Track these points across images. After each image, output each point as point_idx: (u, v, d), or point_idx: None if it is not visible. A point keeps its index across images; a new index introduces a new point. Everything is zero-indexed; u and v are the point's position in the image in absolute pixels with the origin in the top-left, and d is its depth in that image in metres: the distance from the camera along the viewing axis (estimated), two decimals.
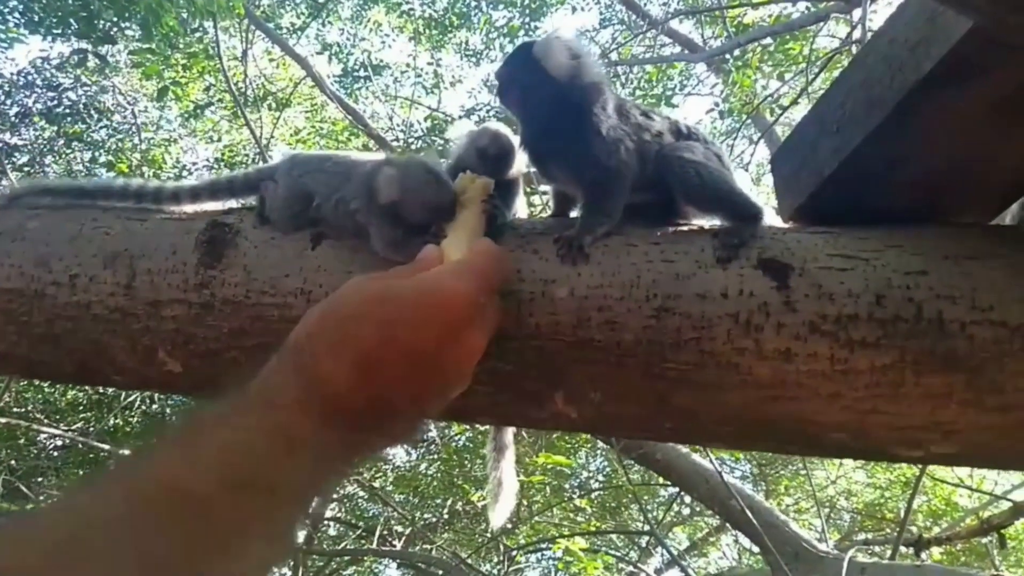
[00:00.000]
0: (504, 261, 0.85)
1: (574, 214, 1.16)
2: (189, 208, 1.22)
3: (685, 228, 1.05)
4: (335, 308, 0.76)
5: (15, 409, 6.77)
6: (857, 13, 4.71)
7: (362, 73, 8.94)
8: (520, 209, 1.16)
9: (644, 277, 0.95)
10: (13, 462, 6.68)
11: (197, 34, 7.04)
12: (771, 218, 1.06)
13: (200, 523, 0.59)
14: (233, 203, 1.24)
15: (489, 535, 7.18)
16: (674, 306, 0.93)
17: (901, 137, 0.92)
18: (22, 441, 6.92)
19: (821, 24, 5.91)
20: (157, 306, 1.08)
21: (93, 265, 1.12)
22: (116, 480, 0.68)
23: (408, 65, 9.47)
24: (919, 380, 0.87)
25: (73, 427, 6.89)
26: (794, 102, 5.66)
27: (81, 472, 7.10)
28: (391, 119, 8.56)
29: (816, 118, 1.06)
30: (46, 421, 6.76)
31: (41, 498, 6.86)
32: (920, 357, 0.87)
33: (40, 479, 7.20)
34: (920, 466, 4.05)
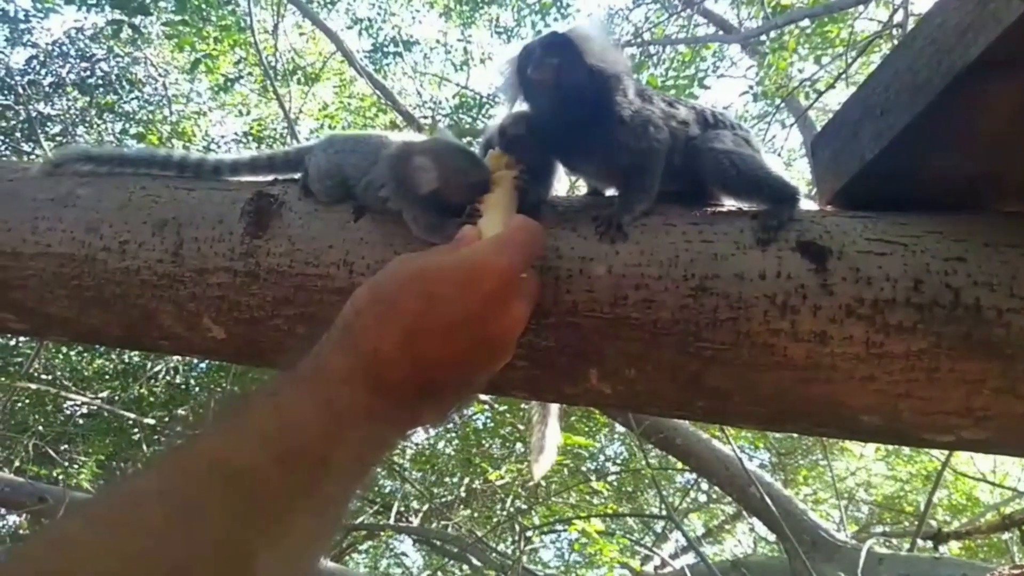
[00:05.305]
0: (540, 234, 0.86)
1: (609, 192, 1.17)
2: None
3: (724, 210, 1.05)
4: (381, 285, 0.78)
5: (44, 376, 6.93)
6: None
7: (392, 49, 8.92)
8: (559, 187, 1.17)
9: (682, 257, 0.96)
10: (41, 428, 6.83)
11: (230, 7, 7.06)
12: (804, 201, 1.06)
13: (249, 497, 0.60)
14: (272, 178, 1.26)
15: (505, 514, 7.25)
16: (711, 286, 0.93)
17: (946, 123, 0.91)
18: (50, 408, 7.08)
19: (862, 7, 5.80)
20: (203, 273, 1.10)
21: (142, 232, 1.14)
22: (168, 459, 0.71)
23: (438, 41, 9.45)
24: (954, 366, 0.88)
25: (99, 395, 7.03)
26: (831, 86, 5.57)
27: (106, 439, 7.26)
28: (420, 96, 8.56)
29: (859, 101, 1.05)
30: (73, 389, 6.89)
31: (67, 463, 7.04)
32: (956, 343, 0.87)
33: (67, 445, 7.37)
34: (942, 460, 4.03)
